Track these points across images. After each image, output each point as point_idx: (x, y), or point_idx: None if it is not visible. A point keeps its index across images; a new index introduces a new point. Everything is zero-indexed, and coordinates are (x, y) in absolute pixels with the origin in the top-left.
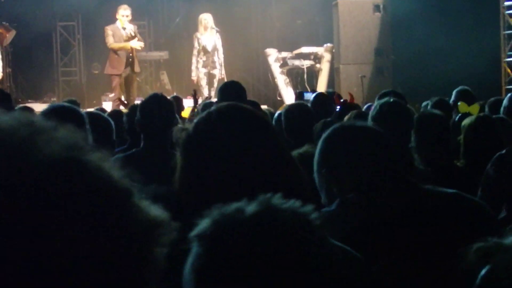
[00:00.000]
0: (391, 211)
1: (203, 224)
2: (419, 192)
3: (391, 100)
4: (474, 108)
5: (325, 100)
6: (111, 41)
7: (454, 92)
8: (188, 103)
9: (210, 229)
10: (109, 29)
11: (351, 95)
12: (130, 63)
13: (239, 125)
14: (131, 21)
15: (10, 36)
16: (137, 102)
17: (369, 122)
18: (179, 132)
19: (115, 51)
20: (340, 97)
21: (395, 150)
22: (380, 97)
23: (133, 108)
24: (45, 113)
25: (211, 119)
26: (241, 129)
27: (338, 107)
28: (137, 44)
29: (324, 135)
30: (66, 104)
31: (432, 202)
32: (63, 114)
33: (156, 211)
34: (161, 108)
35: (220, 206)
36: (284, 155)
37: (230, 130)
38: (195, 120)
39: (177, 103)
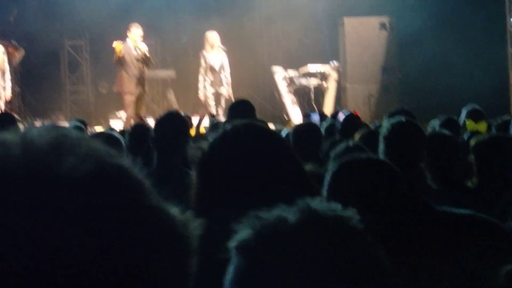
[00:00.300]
0: (407, 233)
1: (244, 234)
2: (435, 214)
3: (404, 119)
4: (482, 126)
5: (355, 120)
6: (118, 56)
7: (463, 110)
8: (196, 121)
9: (253, 239)
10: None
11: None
12: (139, 82)
13: (255, 144)
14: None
15: (19, 55)
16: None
17: (381, 141)
18: (194, 151)
19: (125, 71)
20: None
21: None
22: (390, 116)
23: (136, 128)
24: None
25: (227, 138)
26: (257, 147)
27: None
28: (142, 46)
29: (331, 170)
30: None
31: (448, 223)
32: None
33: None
34: (176, 126)
35: (256, 214)
36: (300, 173)
37: (246, 149)
38: (210, 139)
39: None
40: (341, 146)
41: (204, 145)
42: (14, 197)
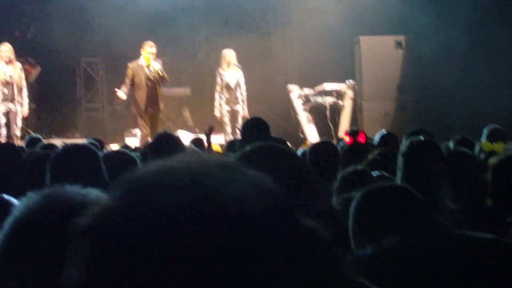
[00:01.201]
0: (429, 257)
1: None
2: (457, 238)
3: (422, 138)
4: (499, 146)
5: (393, 140)
6: (126, 82)
7: (484, 131)
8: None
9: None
10: (130, 68)
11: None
12: (152, 102)
13: (273, 165)
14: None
15: (35, 72)
16: None
17: (399, 159)
18: None
19: (136, 92)
20: (353, 133)
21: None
22: (408, 136)
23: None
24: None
25: (246, 159)
26: (275, 168)
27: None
28: (155, 65)
29: (357, 197)
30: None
31: (471, 248)
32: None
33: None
34: (170, 147)
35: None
36: (318, 192)
37: (266, 170)
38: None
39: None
40: (348, 169)
41: None
42: (189, 227)
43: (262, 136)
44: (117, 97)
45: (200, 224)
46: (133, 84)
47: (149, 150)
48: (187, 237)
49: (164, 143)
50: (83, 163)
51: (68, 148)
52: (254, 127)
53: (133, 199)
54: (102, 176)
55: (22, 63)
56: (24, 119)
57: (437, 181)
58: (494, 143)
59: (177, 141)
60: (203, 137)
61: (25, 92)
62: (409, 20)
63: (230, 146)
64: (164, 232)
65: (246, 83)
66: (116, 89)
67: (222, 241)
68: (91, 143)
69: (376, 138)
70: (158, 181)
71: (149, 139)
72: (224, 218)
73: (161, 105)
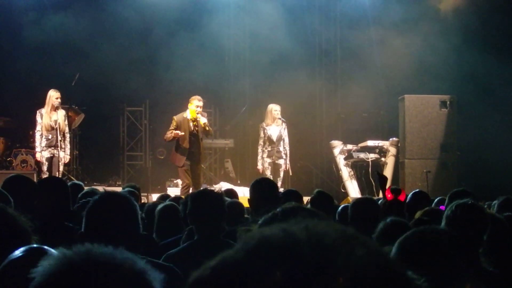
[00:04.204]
0: None
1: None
2: None
3: (469, 202)
4: None
5: (422, 197)
6: (168, 135)
7: None
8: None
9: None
10: (175, 121)
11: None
12: (194, 155)
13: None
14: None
15: (79, 119)
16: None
17: (443, 221)
18: (243, 233)
19: (178, 146)
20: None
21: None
22: (452, 196)
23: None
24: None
25: (276, 220)
26: None
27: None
28: (202, 119)
29: (400, 239)
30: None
31: None
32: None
33: None
34: (210, 202)
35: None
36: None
37: None
38: (259, 221)
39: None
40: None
41: (254, 226)
42: None
43: (270, 195)
44: (177, 135)
45: None
46: (177, 140)
47: (190, 204)
48: None
49: (204, 201)
50: (120, 213)
51: (105, 196)
52: (261, 186)
53: (256, 266)
54: (137, 226)
55: (66, 110)
56: (66, 165)
57: (478, 246)
58: None
59: (217, 199)
60: (245, 189)
61: (68, 139)
62: (455, 80)
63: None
64: None
65: (290, 137)
66: (174, 133)
67: None
68: (129, 191)
69: (409, 196)
70: (276, 246)
71: (191, 189)
72: None
73: (203, 159)
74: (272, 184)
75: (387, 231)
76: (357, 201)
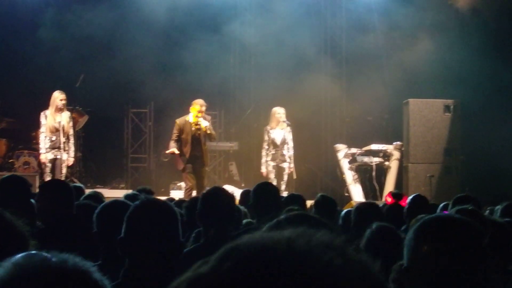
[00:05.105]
0: None
1: None
2: None
3: (470, 207)
4: None
5: (422, 202)
6: (174, 137)
7: None
8: None
9: None
10: (178, 124)
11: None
12: (197, 158)
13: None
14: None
15: (82, 121)
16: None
17: None
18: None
19: (180, 149)
20: (397, 196)
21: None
22: (455, 202)
23: (193, 201)
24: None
25: (280, 228)
26: None
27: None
28: (204, 122)
29: (415, 226)
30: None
31: None
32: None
33: None
34: (221, 202)
35: None
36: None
37: None
38: (263, 229)
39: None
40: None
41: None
42: None
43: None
44: (172, 154)
45: None
46: (179, 139)
47: (200, 204)
48: None
49: (216, 199)
50: (162, 219)
51: (146, 202)
52: (263, 191)
53: (234, 273)
54: (177, 233)
55: (70, 111)
56: (69, 167)
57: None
58: None
59: (229, 197)
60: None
61: (72, 141)
62: (459, 85)
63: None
64: None
65: (294, 140)
66: (169, 151)
67: None
68: (143, 192)
69: (408, 200)
70: (251, 255)
71: (194, 193)
72: None
73: (207, 162)
74: (274, 189)
75: (374, 238)
76: (360, 206)
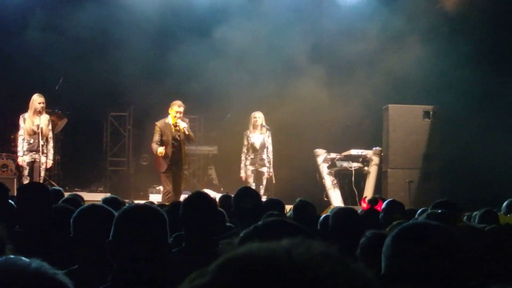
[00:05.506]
0: None
1: None
2: None
3: (439, 211)
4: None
5: (396, 207)
6: (156, 139)
7: (504, 204)
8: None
9: None
10: (158, 126)
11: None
12: (177, 161)
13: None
14: (183, 115)
15: (61, 124)
16: (183, 196)
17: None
18: (225, 246)
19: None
20: (372, 201)
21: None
22: (434, 207)
23: (174, 205)
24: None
25: (258, 234)
26: None
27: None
28: (182, 124)
29: (393, 233)
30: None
31: None
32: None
33: None
34: (203, 206)
35: None
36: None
37: None
38: (241, 234)
39: (228, 201)
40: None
41: (235, 240)
42: None
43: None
44: (160, 156)
45: None
46: (161, 141)
47: (182, 208)
48: None
49: (198, 203)
50: (149, 222)
51: (134, 207)
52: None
53: (236, 284)
54: (165, 236)
55: (49, 114)
56: (48, 170)
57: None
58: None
59: (211, 202)
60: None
61: (51, 144)
62: (438, 91)
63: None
64: None
65: (274, 145)
66: (160, 152)
67: None
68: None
69: (383, 205)
70: (252, 267)
71: (171, 196)
72: None
73: (186, 164)
74: (255, 194)
75: (369, 245)
76: (337, 211)
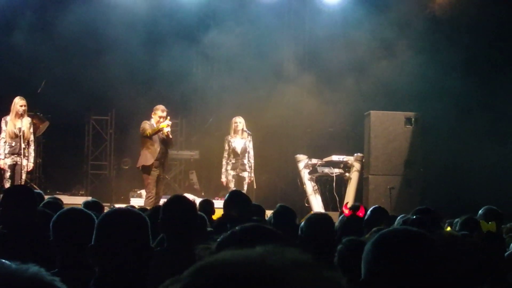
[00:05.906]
0: None
1: None
2: None
3: (414, 217)
4: (492, 226)
5: (382, 214)
6: (147, 128)
7: (480, 211)
8: (218, 204)
9: None
10: (149, 124)
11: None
12: (160, 163)
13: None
14: (165, 119)
15: (43, 127)
16: (163, 200)
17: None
18: (202, 251)
19: (149, 150)
20: (354, 208)
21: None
22: (415, 214)
23: (155, 210)
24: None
25: (235, 239)
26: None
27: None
28: (165, 123)
29: (373, 240)
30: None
31: None
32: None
33: None
34: (183, 210)
35: None
36: None
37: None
38: (218, 239)
39: (209, 206)
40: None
41: (213, 245)
42: None
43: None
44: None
45: None
46: (147, 141)
47: (162, 212)
48: None
49: (178, 207)
50: (131, 227)
51: (116, 211)
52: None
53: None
54: (148, 239)
55: (31, 117)
56: (29, 173)
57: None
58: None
59: (191, 205)
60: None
61: (32, 146)
62: (420, 98)
63: (219, 225)
64: None
65: (255, 150)
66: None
67: None
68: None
69: (368, 212)
70: (226, 273)
71: (154, 200)
72: None
73: (167, 169)
74: (245, 198)
75: (346, 252)
76: (310, 218)
